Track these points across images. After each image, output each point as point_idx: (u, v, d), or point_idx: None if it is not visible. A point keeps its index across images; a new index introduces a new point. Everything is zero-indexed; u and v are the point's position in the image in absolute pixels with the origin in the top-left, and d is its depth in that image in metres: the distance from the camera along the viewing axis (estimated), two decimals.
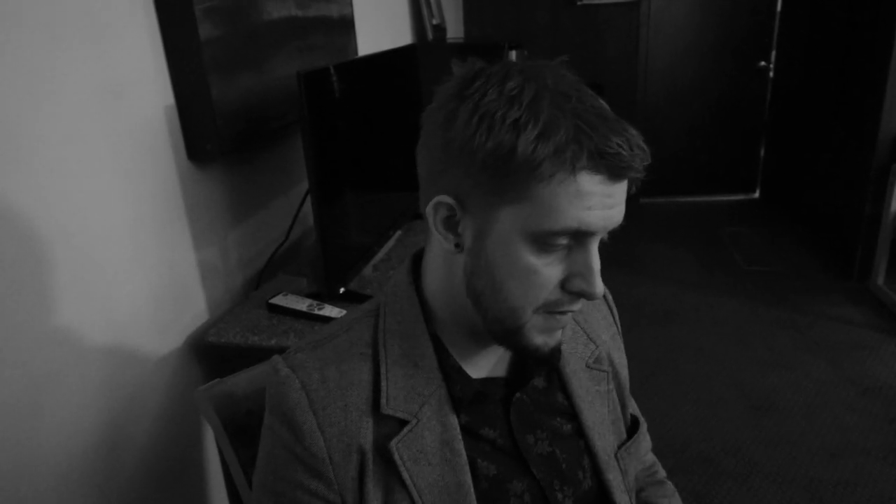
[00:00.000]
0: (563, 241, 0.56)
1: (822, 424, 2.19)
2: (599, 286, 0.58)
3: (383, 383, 0.63)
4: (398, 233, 1.74)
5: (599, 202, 0.54)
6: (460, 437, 0.64)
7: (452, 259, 0.63)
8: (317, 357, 0.65)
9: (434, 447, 0.63)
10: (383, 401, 0.62)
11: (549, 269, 0.58)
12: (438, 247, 0.64)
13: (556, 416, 0.72)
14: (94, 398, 1.04)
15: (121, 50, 1.08)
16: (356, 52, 1.96)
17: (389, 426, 0.63)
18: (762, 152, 4.42)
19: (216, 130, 1.24)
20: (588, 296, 0.58)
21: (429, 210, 0.61)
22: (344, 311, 1.27)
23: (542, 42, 3.99)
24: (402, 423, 0.63)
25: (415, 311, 0.66)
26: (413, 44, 1.83)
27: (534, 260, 0.57)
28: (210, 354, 1.31)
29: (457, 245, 0.61)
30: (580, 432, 0.72)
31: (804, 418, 2.22)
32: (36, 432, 0.93)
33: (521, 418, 0.69)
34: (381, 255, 1.61)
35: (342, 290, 1.35)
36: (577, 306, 0.61)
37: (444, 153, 0.58)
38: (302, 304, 1.31)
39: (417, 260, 0.70)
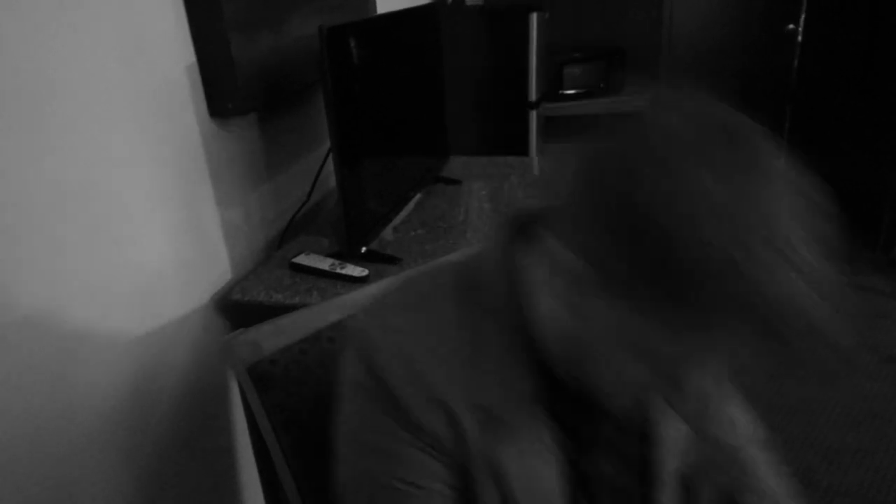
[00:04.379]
0: None
1: (843, 392, 2.18)
2: None
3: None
4: (418, 196, 1.74)
5: None
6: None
7: None
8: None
9: None
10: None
11: None
12: None
13: None
14: (123, 353, 1.07)
15: (141, 6, 1.07)
16: (374, 14, 1.94)
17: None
18: (787, 120, 4.32)
19: (237, 89, 1.24)
20: None
21: None
22: (366, 271, 1.28)
23: (563, 5, 3.89)
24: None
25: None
26: (435, 2, 1.80)
27: None
28: (235, 312, 1.33)
29: None
30: None
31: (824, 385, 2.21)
32: (68, 387, 0.96)
33: None
34: (401, 217, 1.62)
35: (364, 249, 1.36)
36: None
37: None
38: (324, 264, 1.32)
39: None
